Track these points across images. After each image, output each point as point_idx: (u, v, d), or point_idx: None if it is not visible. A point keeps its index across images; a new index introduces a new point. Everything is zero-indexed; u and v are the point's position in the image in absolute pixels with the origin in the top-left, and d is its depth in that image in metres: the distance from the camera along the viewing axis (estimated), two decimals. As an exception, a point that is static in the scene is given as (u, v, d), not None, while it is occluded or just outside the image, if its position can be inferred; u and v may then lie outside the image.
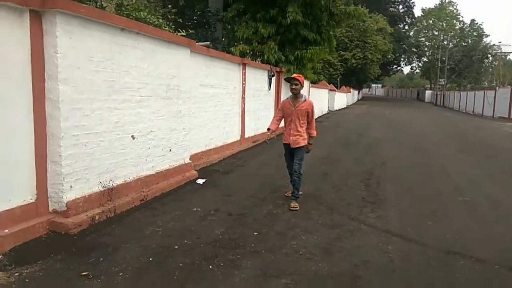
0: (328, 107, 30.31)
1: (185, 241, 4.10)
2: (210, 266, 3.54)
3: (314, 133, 5.49)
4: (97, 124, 4.59)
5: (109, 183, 4.84)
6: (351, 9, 14.24)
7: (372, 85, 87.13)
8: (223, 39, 16.04)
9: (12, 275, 3.29)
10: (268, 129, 5.51)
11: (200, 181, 6.69)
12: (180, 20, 7.57)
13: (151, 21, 5.97)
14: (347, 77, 42.80)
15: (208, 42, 8.47)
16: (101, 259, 3.61)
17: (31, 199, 4.05)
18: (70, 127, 4.19)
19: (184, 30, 6.82)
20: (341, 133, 15.19)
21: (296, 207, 5.21)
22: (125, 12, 5.71)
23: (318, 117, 22.70)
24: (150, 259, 3.66)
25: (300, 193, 5.50)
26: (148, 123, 5.57)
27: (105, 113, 4.71)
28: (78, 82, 4.26)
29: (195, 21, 14.80)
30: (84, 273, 3.32)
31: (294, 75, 5.39)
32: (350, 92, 42.81)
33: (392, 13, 58.43)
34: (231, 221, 4.76)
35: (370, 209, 5.38)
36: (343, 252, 3.95)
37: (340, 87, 40.53)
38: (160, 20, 6.32)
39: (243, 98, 10.10)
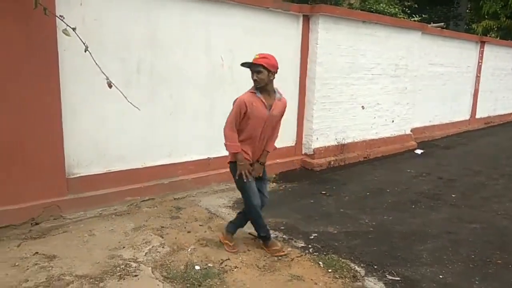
0: None
1: (396, 189, 5.27)
2: (413, 206, 4.63)
3: (274, 147, 3.45)
4: (338, 95, 6.20)
5: (341, 140, 6.43)
6: None
7: None
8: (469, 13, 15.08)
9: (281, 185, 5.32)
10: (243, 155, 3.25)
11: (419, 151, 7.51)
12: (416, 6, 8.28)
13: (388, 11, 7.07)
14: None
15: (442, 23, 8.80)
16: (334, 187, 5.26)
17: (292, 144, 6.06)
18: (320, 97, 5.93)
19: (417, 15, 7.59)
20: None
21: (279, 251, 3.37)
22: (368, 6, 7.02)
23: None
24: (367, 193, 5.06)
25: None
26: (376, 96, 6.83)
27: (344, 87, 6.26)
28: (328, 64, 5.92)
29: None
30: (323, 192, 5.04)
31: (257, 56, 3.14)
32: None
33: None
34: (439, 183, 5.56)
35: None
36: (546, 222, 4.22)
37: None
38: (396, 9, 7.32)
39: (477, 77, 9.85)
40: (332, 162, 6.14)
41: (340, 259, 3.33)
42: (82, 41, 3.31)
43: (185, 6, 4.48)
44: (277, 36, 5.47)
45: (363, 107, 6.64)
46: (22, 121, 3.51)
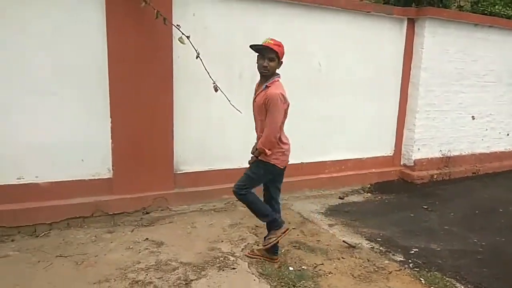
0: None
1: (510, 209, 4.71)
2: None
3: (261, 148, 2.99)
4: (444, 103, 5.76)
5: (447, 152, 5.95)
6: None
7: None
8: None
9: (376, 196, 5.11)
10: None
11: (539, 169, 6.59)
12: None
13: (504, 14, 6.39)
14: None
15: None
16: (437, 202, 4.88)
17: (390, 153, 5.78)
18: (423, 104, 5.58)
19: (543, 15, 6.71)
20: None
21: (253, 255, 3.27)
22: (481, 8, 6.42)
23: None
24: (476, 211, 4.60)
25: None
26: (489, 106, 6.19)
27: (451, 95, 5.79)
28: (433, 70, 5.55)
29: None
30: (424, 206, 4.71)
31: (270, 41, 2.88)
32: None
33: None
34: None
35: None
36: None
37: None
38: (514, 11, 6.59)
39: None
40: (435, 176, 5.70)
41: (445, 277, 3.08)
42: (194, 48, 3.60)
43: (284, 14, 4.57)
44: (378, 40, 5.29)
45: (473, 117, 6.06)
46: (143, 118, 3.90)
